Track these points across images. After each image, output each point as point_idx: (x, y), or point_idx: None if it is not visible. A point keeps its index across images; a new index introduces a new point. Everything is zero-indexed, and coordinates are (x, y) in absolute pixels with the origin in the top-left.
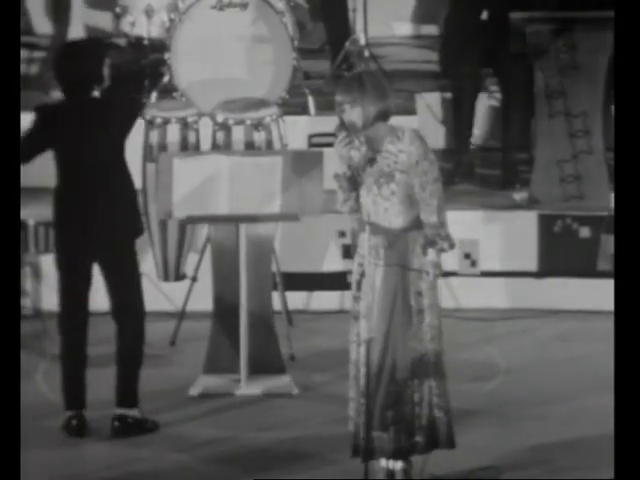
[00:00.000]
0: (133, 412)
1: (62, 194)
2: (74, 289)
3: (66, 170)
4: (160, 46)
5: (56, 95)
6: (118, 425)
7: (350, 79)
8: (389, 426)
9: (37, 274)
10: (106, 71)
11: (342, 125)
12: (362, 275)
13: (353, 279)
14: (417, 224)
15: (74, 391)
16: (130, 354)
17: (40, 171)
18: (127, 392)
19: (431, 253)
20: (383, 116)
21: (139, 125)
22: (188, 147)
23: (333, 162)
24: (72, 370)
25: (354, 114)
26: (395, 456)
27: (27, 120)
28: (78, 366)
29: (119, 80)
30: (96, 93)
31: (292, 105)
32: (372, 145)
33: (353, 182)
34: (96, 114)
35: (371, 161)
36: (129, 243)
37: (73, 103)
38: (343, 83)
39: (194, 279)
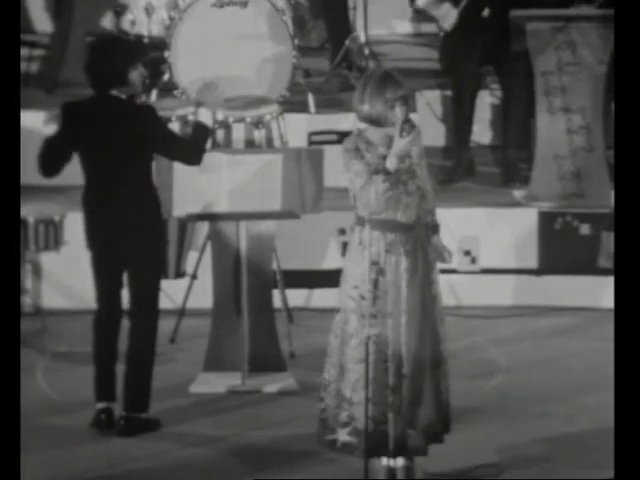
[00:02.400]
0: (140, 414)
1: (88, 196)
2: (107, 291)
3: (90, 171)
4: (160, 44)
5: (58, 93)
6: (123, 425)
7: (394, 76)
8: (428, 421)
9: (37, 272)
10: (135, 74)
11: (380, 123)
12: (379, 273)
13: (360, 278)
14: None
15: (106, 384)
16: (142, 357)
17: None
18: (137, 396)
19: (436, 239)
20: None
21: None
22: None
23: (333, 159)
24: (104, 365)
25: (405, 109)
26: (425, 452)
27: (27, 118)
28: (110, 361)
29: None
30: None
31: (292, 103)
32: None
33: (398, 178)
34: (119, 116)
35: (384, 157)
36: (153, 253)
37: (97, 101)
38: (392, 80)
39: (194, 277)
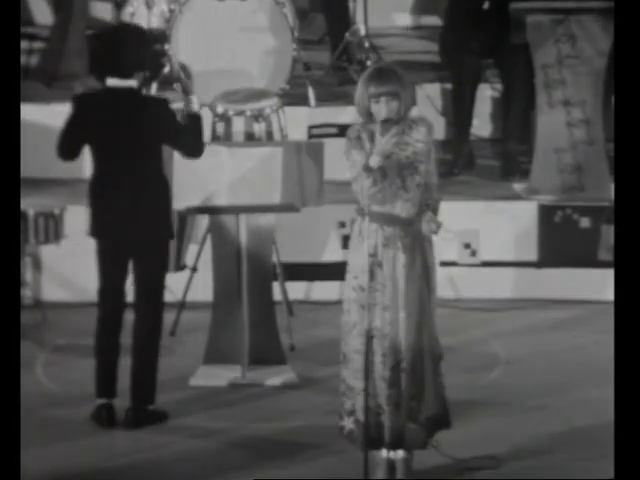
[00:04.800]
0: (147, 406)
1: (97, 186)
2: (110, 281)
3: (101, 161)
4: (160, 37)
5: (57, 86)
6: (131, 417)
7: (384, 71)
8: (430, 414)
9: (37, 264)
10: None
11: (369, 117)
12: (377, 265)
13: (358, 270)
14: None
15: (106, 379)
16: (147, 346)
17: (40, 162)
18: (144, 387)
19: (430, 215)
20: (411, 107)
21: None
22: None
23: (333, 153)
24: (106, 359)
25: (394, 106)
26: (424, 445)
27: (27, 111)
28: (112, 355)
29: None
30: (133, 84)
31: (292, 96)
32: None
33: (384, 174)
34: (135, 106)
35: (388, 153)
36: (162, 244)
37: (111, 93)
38: (378, 75)
39: (194, 269)
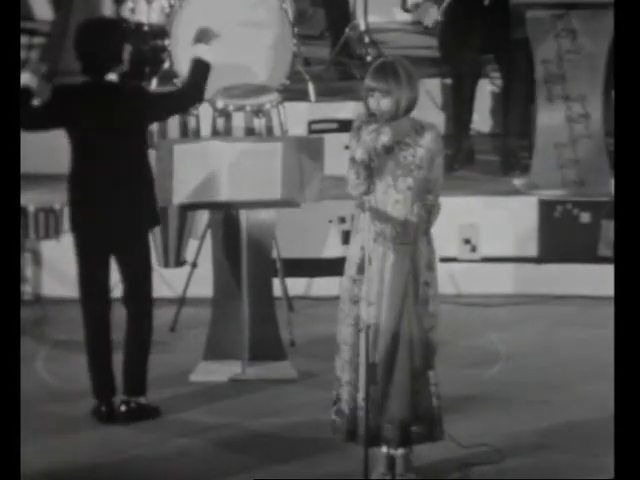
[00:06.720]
0: (138, 398)
1: (77, 181)
2: (92, 278)
3: (80, 155)
4: (160, 32)
5: (57, 81)
6: (124, 411)
7: (384, 66)
8: (399, 417)
9: (37, 260)
10: (126, 55)
11: (368, 111)
12: (367, 260)
13: (352, 261)
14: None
15: (103, 380)
16: (139, 340)
17: (40, 157)
18: (136, 379)
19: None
20: (411, 108)
21: None
22: (188, 133)
23: (333, 148)
24: (98, 358)
25: (385, 103)
26: (401, 445)
27: None
28: (104, 354)
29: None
30: (113, 77)
31: (292, 91)
32: (393, 135)
33: (369, 168)
34: (113, 99)
35: (388, 150)
36: (143, 234)
37: (91, 85)
38: (377, 70)
39: (194, 265)
